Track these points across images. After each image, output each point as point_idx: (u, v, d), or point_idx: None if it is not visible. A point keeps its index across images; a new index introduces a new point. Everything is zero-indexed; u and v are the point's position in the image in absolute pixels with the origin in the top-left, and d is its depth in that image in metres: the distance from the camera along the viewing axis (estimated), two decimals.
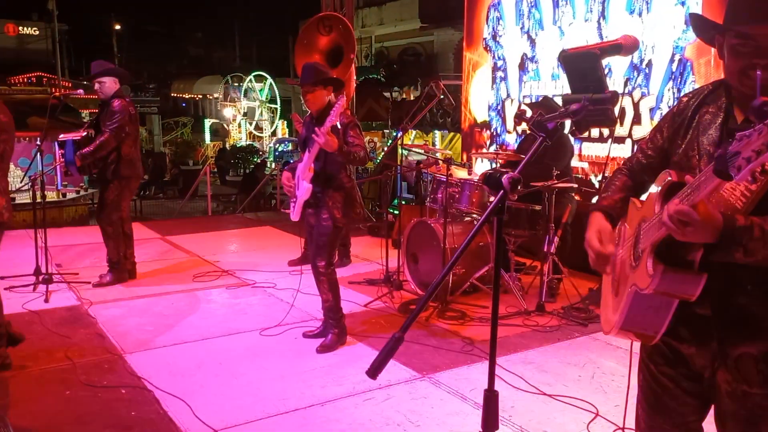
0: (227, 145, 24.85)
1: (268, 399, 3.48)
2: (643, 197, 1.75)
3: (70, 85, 18.23)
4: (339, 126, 4.00)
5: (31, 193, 5.74)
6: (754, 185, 1.43)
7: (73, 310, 4.95)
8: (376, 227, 8.14)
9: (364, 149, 4.08)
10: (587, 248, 1.74)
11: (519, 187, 1.60)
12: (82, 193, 12.52)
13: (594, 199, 5.89)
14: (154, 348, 4.20)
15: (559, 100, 6.11)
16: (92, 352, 4.07)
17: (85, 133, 5.45)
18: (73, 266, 6.22)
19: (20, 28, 30.72)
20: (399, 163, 6.36)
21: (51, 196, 12.21)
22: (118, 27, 32.25)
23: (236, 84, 25.15)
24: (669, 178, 1.53)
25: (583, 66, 1.55)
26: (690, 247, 1.48)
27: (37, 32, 30.98)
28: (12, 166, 15.39)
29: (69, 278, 5.73)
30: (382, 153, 14.94)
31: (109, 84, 5.47)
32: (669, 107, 5.44)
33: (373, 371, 1.46)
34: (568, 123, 5.74)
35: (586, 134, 6.08)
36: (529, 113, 5.61)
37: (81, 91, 16.38)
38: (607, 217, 1.78)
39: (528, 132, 6.26)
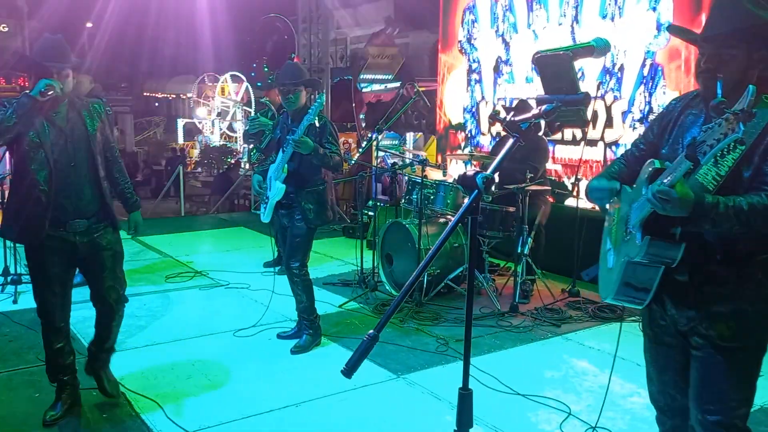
0: (201, 145, 24.62)
1: (242, 400, 3.45)
2: None
3: None
4: (317, 125, 4.00)
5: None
6: (723, 171, 1.74)
7: None
8: (350, 228, 8.13)
9: (339, 155, 4.08)
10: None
11: (493, 188, 1.63)
12: None
13: (567, 201, 5.98)
14: (126, 349, 4.14)
15: (533, 103, 6.18)
16: None
17: None
18: None
19: None
20: (374, 164, 6.37)
21: None
22: (89, 25, 31.69)
23: (211, 84, 24.97)
24: (652, 167, 1.83)
25: (556, 68, 1.58)
26: (671, 221, 1.78)
27: (7, 29, 30.32)
28: None
29: None
30: (357, 154, 14.93)
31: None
32: (641, 111, 5.58)
33: (349, 370, 1.46)
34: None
35: (559, 136, 6.16)
36: (503, 115, 5.66)
37: None
38: None
39: (503, 134, 6.33)
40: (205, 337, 4.42)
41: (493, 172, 1.57)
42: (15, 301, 5.05)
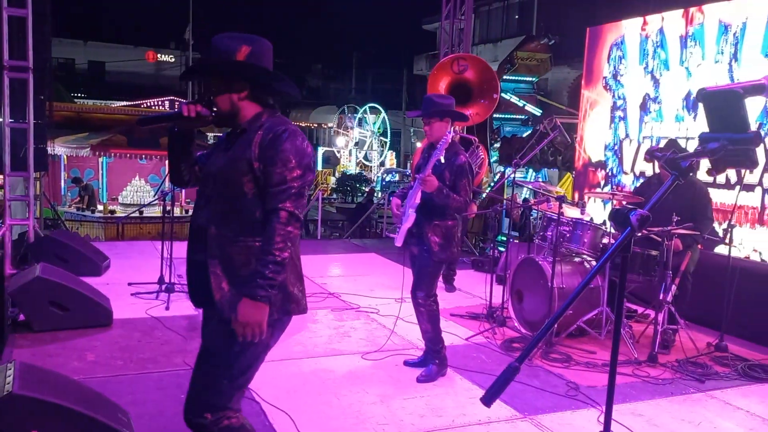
0: (337, 173, 25.60)
1: (368, 422, 3.52)
2: None
3: None
4: (443, 161, 4.01)
5: (160, 207, 6.24)
6: None
7: (191, 318, 5.25)
8: (479, 261, 8.08)
9: (464, 201, 4.03)
10: None
11: (646, 227, 1.57)
12: None
13: (717, 249, 5.57)
14: (264, 361, 4.35)
15: (683, 142, 5.87)
16: None
17: None
18: None
19: (159, 55, 33.60)
20: (505, 199, 6.31)
21: (177, 211, 13.08)
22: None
23: (351, 114, 26.05)
24: None
25: (724, 105, 1.50)
26: None
27: (173, 59, 33.68)
28: (143, 182, 16.64)
29: None
30: (488, 188, 14.87)
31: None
32: None
33: (488, 399, 1.47)
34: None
35: (711, 179, 5.77)
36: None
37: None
38: None
39: (648, 176, 6.05)
40: (335, 357, 4.56)
41: (649, 210, 1.52)
42: (167, 308, 5.50)
